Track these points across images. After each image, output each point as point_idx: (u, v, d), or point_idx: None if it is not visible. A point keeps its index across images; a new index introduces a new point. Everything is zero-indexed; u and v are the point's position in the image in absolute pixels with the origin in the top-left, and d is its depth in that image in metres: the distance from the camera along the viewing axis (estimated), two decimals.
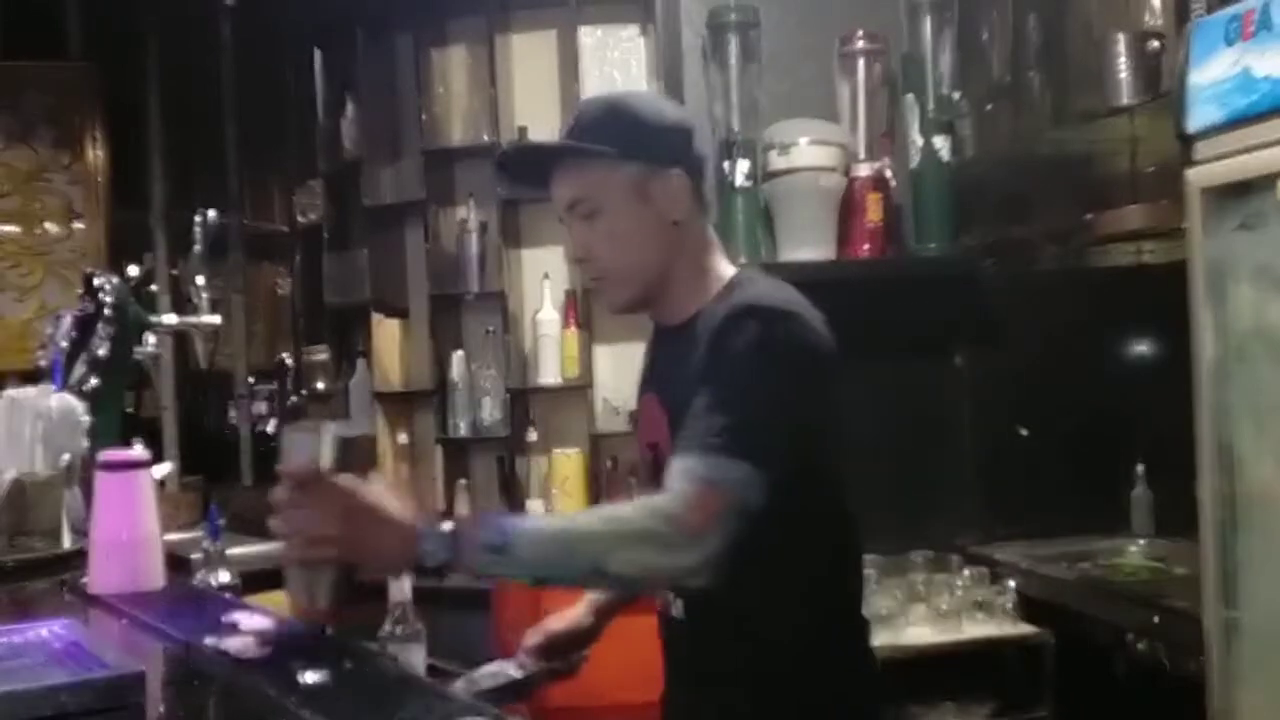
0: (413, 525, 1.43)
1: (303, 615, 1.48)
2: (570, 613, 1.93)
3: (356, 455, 1.38)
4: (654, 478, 1.68)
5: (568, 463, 4.10)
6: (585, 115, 1.72)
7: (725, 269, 1.74)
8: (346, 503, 1.41)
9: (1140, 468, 3.46)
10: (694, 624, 1.71)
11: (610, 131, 1.66)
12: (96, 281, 3.19)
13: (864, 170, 3.48)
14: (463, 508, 4.22)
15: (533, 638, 1.90)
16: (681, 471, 1.49)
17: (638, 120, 1.69)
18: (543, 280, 4.22)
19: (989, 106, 3.67)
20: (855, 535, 1.76)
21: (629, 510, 1.50)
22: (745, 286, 1.67)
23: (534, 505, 4.14)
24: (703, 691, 1.72)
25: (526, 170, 1.80)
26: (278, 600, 1.73)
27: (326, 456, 1.42)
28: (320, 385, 5.00)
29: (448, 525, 1.45)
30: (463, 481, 4.29)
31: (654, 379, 1.80)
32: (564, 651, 1.91)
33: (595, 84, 4.21)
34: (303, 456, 1.45)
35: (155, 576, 2.07)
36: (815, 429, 1.61)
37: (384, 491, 1.44)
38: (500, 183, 1.88)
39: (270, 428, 5.73)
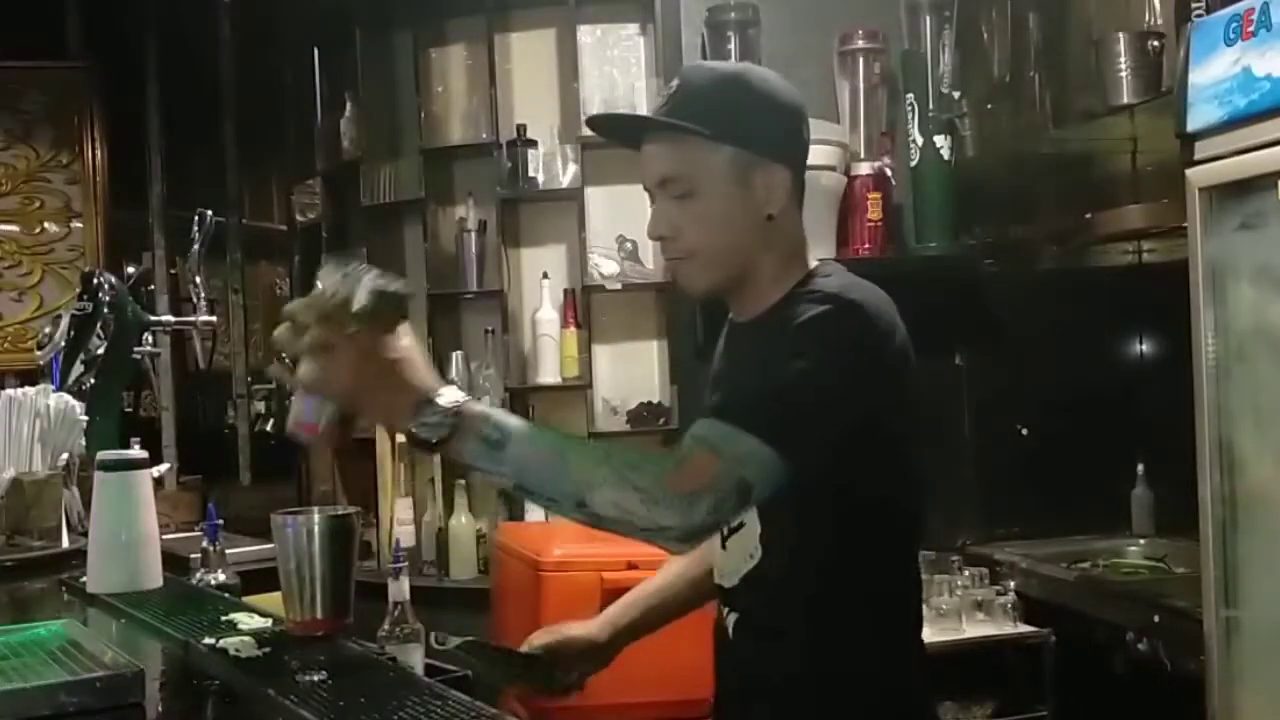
0: (421, 391, 1.37)
1: (303, 431, 1.43)
2: (589, 623, 1.83)
3: (390, 307, 1.32)
4: None
5: None
6: (692, 83, 1.61)
7: (808, 263, 1.65)
8: (364, 348, 1.36)
9: (1140, 468, 3.46)
10: (746, 634, 1.63)
11: (718, 109, 1.56)
12: (95, 281, 3.19)
13: (864, 169, 3.48)
14: (462, 507, 4.22)
15: (544, 636, 1.80)
16: (691, 433, 1.44)
17: (751, 102, 1.60)
18: (542, 279, 4.21)
19: (989, 106, 3.67)
20: (918, 538, 1.69)
21: (631, 455, 1.44)
22: (819, 279, 1.59)
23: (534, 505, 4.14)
24: (756, 704, 1.63)
25: (616, 130, 1.72)
26: (276, 601, 1.73)
27: (361, 298, 1.36)
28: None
29: (454, 401, 1.38)
30: (461, 481, 4.28)
31: (721, 373, 1.72)
32: (569, 660, 1.80)
33: (595, 83, 4.21)
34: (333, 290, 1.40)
35: (154, 576, 2.07)
36: (870, 425, 1.51)
37: (407, 349, 1.39)
38: (596, 130, 1.77)
39: (269, 427, 5.73)
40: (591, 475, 1.38)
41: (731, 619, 1.65)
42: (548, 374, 4.19)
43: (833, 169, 3.41)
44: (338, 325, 1.36)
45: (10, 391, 2.60)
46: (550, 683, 1.79)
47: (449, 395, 1.38)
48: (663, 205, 1.61)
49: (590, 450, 1.50)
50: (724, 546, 1.63)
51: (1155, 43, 3.02)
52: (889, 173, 3.51)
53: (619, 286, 4.14)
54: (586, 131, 4.15)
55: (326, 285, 1.38)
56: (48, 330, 3.27)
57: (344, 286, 1.37)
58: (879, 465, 1.55)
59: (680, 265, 1.62)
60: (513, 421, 1.40)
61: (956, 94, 3.50)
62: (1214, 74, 2.26)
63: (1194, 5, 2.57)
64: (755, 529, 1.57)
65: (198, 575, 2.32)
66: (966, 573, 3.20)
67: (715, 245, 1.59)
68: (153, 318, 3.59)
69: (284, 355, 1.45)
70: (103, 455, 2.11)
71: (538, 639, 1.80)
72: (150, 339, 3.46)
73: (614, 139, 1.72)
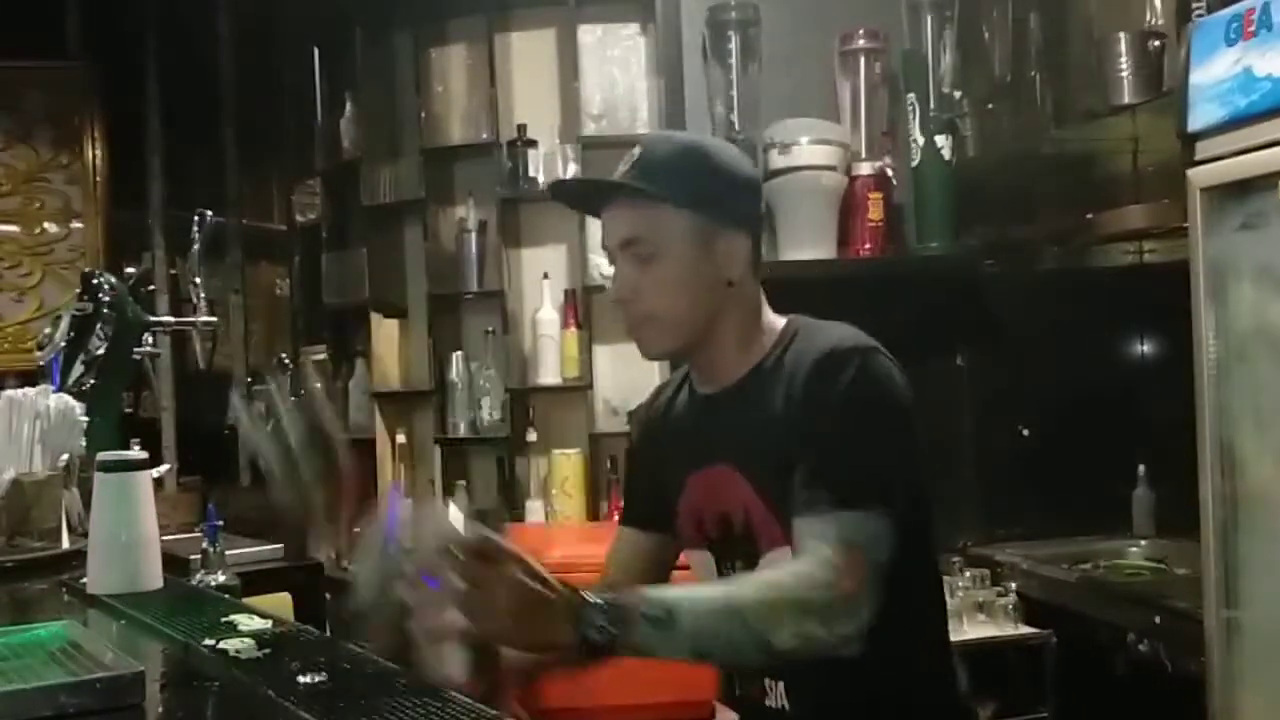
0: (575, 598, 1.33)
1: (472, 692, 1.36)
2: None
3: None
4: (730, 551, 1.64)
5: (567, 463, 4.09)
6: (655, 152, 1.64)
7: (774, 320, 1.67)
8: (514, 577, 1.31)
9: (1141, 468, 3.45)
10: (801, 711, 1.62)
11: (681, 177, 1.60)
12: (95, 281, 3.18)
13: (865, 169, 3.48)
14: (461, 508, 4.22)
15: None
16: (817, 535, 1.44)
17: (713, 171, 1.63)
18: (542, 280, 4.21)
19: (990, 105, 3.67)
20: (937, 557, 1.73)
21: (785, 578, 1.43)
22: (812, 332, 1.61)
23: (533, 506, 4.14)
24: None
25: (580, 196, 1.76)
26: (276, 602, 1.73)
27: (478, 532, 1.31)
28: (319, 385, 4.99)
29: (605, 595, 1.34)
30: (462, 482, 4.28)
31: (716, 450, 1.65)
32: None
33: (595, 82, 4.21)
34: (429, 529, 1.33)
35: (154, 577, 2.06)
36: (917, 463, 1.58)
37: (535, 562, 1.34)
38: (559, 198, 1.79)
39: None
40: (768, 618, 1.38)
41: (779, 687, 1.64)
42: (548, 374, 4.19)
43: (833, 169, 3.41)
44: (486, 560, 1.31)
45: (10, 392, 2.60)
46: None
47: (593, 594, 1.34)
48: (625, 268, 1.64)
49: (749, 589, 1.45)
50: None
51: (1156, 43, 3.02)
52: (890, 173, 3.51)
53: None
54: (586, 131, 4.17)
55: (419, 524, 1.35)
56: (48, 331, 3.26)
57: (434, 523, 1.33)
58: (916, 492, 1.58)
59: (641, 328, 1.64)
60: (665, 592, 1.39)
61: (957, 94, 3.50)
62: (1215, 74, 2.26)
63: (1195, 5, 2.57)
64: None
65: (198, 576, 2.32)
66: (967, 574, 3.20)
67: (675, 308, 1.61)
68: (153, 318, 3.59)
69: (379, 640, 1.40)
70: (102, 456, 2.11)
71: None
72: (150, 339, 3.45)
73: (577, 205, 1.80)
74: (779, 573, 1.48)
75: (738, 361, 1.64)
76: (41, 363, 3.23)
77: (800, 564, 1.44)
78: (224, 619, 1.76)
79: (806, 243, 3.40)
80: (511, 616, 1.31)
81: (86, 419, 2.61)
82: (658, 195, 1.58)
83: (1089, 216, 3.32)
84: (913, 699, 1.61)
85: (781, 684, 1.63)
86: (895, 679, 1.57)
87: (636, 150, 1.64)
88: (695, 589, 1.46)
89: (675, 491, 1.71)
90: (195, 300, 3.61)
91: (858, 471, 1.47)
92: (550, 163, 4.23)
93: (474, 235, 4.30)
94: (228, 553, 2.32)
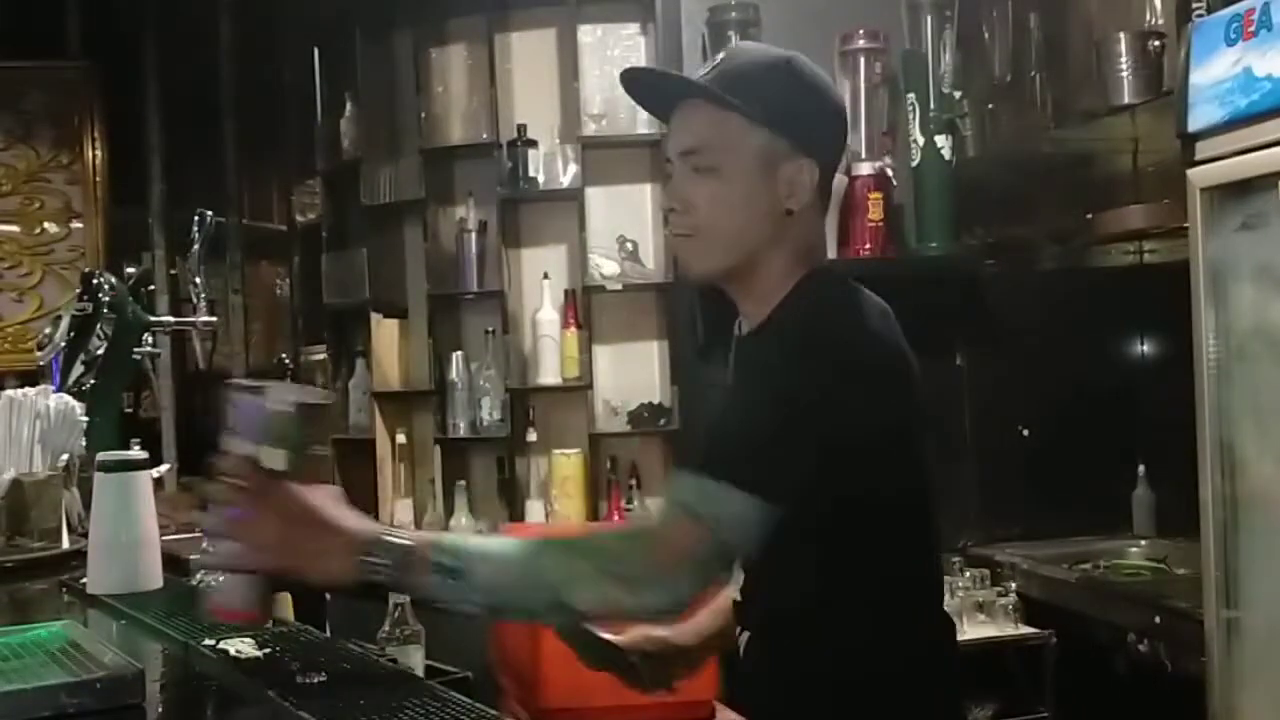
0: (359, 534, 1.32)
1: (226, 618, 1.40)
2: (680, 629, 1.70)
3: (318, 426, 1.27)
4: None
5: (567, 463, 4.09)
6: (738, 59, 1.55)
7: (808, 267, 1.55)
8: (288, 505, 1.31)
9: (1141, 468, 3.45)
10: (757, 659, 1.57)
11: (762, 89, 1.49)
12: (95, 281, 3.18)
13: (865, 169, 3.48)
14: (463, 508, 4.21)
15: (638, 638, 1.67)
16: (674, 498, 1.38)
17: (797, 89, 1.52)
18: (542, 280, 4.21)
19: (990, 105, 3.67)
20: (924, 541, 1.58)
21: (600, 539, 1.40)
22: (800, 300, 1.51)
23: (534, 506, 4.14)
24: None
25: (651, 92, 1.62)
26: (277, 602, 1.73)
27: (286, 429, 1.31)
28: (319, 385, 4.99)
29: (398, 536, 1.32)
30: (461, 482, 4.28)
31: (729, 391, 1.59)
32: (662, 661, 1.67)
33: (595, 82, 4.20)
34: (251, 427, 1.34)
35: (154, 576, 2.06)
36: (865, 447, 1.42)
37: (329, 494, 1.34)
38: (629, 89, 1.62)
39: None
40: (567, 574, 1.33)
41: (744, 638, 1.59)
42: (548, 375, 4.19)
43: None
44: (257, 487, 1.31)
45: (10, 392, 2.59)
46: (644, 680, 1.70)
47: (390, 532, 1.33)
48: (680, 176, 1.53)
49: (563, 548, 1.40)
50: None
51: (1156, 43, 3.02)
52: (890, 173, 3.51)
53: (619, 287, 4.14)
54: (587, 131, 4.16)
55: (238, 415, 1.35)
56: (48, 331, 3.26)
57: (260, 418, 1.33)
58: (869, 477, 1.45)
59: (684, 242, 1.55)
60: (471, 542, 1.35)
61: (957, 94, 3.50)
62: (1215, 74, 2.26)
63: (1195, 5, 2.57)
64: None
65: (198, 576, 2.32)
66: (967, 574, 3.20)
67: (725, 227, 1.51)
68: (153, 318, 3.59)
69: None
70: (103, 456, 2.11)
71: (633, 640, 1.69)
72: (150, 339, 3.45)
73: (645, 101, 1.63)
74: (604, 533, 1.47)
75: (764, 303, 1.53)
76: (41, 363, 3.23)
77: (637, 525, 1.43)
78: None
79: None
80: (283, 547, 1.31)
81: (86, 419, 2.61)
82: (730, 104, 1.49)
83: (1089, 216, 3.32)
84: (858, 671, 1.50)
85: (746, 635, 1.59)
86: (830, 644, 1.49)
87: (721, 55, 1.56)
88: (501, 542, 1.40)
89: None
90: (195, 300, 3.61)
91: (746, 446, 1.37)
92: (550, 163, 4.23)
93: (474, 235, 4.30)
94: None
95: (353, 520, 1.34)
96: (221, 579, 1.38)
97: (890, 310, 1.53)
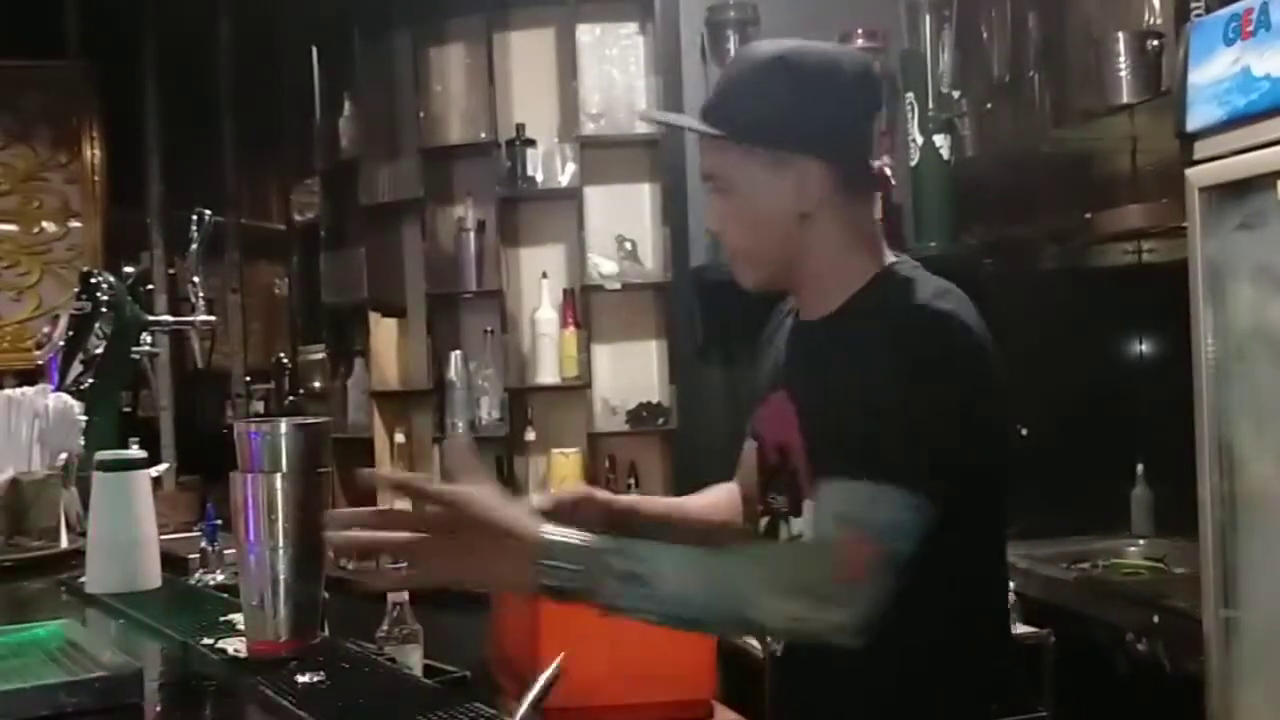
0: (536, 538, 1.25)
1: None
2: (617, 496, 1.71)
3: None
4: (778, 483, 1.57)
5: (566, 463, 4.09)
6: (733, 76, 1.57)
7: (876, 258, 1.56)
8: (459, 513, 1.25)
9: (1140, 468, 3.45)
10: (798, 658, 1.53)
11: (748, 106, 1.51)
12: (94, 280, 3.18)
13: None
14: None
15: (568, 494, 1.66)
16: (835, 511, 1.35)
17: (792, 91, 1.50)
18: (541, 279, 4.21)
19: (989, 105, 3.67)
20: (1004, 541, 1.57)
21: (781, 553, 1.38)
22: (899, 287, 1.51)
23: None
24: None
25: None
26: None
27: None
28: (317, 384, 4.99)
29: (577, 539, 1.26)
30: None
31: (789, 375, 1.59)
32: (586, 515, 1.61)
33: (594, 82, 4.20)
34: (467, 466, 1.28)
35: (152, 576, 2.06)
36: (974, 443, 1.42)
37: (492, 492, 1.27)
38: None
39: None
40: (751, 588, 1.30)
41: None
42: (547, 374, 4.19)
43: None
44: (423, 498, 1.27)
45: (9, 391, 2.60)
46: None
47: (561, 533, 1.27)
48: (709, 200, 1.58)
49: (738, 559, 1.38)
50: None
51: (1155, 42, 3.02)
52: (889, 172, 3.50)
53: (618, 286, 4.14)
54: (585, 131, 4.17)
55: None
56: (46, 330, 3.27)
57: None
58: (976, 475, 1.43)
59: (733, 260, 1.58)
60: (653, 548, 1.29)
61: (956, 94, 3.50)
62: (1213, 74, 2.25)
63: (1193, 5, 2.57)
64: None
65: (196, 575, 2.32)
66: None
67: (750, 243, 1.55)
68: (151, 317, 3.59)
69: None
70: (101, 455, 2.11)
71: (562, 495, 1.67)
72: (149, 339, 3.45)
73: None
74: (774, 547, 1.44)
75: (831, 296, 1.55)
76: (40, 362, 3.23)
77: (806, 544, 1.41)
78: (222, 618, 1.76)
79: None
80: (463, 562, 1.26)
81: (85, 418, 2.61)
82: (710, 133, 1.52)
83: (1087, 216, 3.32)
84: (933, 664, 1.46)
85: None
86: (910, 642, 1.40)
87: (730, 68, 1.59)
88: (681, 551, 1.31)
89: (756, 409, 1.66)
90: (194, 299, 3.61)
91: (893, 448, 1.34)
92: (549, 162, 4.23)
93: (472, 235, 4.30)
94: (226, 552, 2.32)
95: (525, 521, 1.28)
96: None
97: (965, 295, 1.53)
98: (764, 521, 1.61)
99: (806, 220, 1.52)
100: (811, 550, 1.39)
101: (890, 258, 1.57)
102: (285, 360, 5.51)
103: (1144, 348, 3.63)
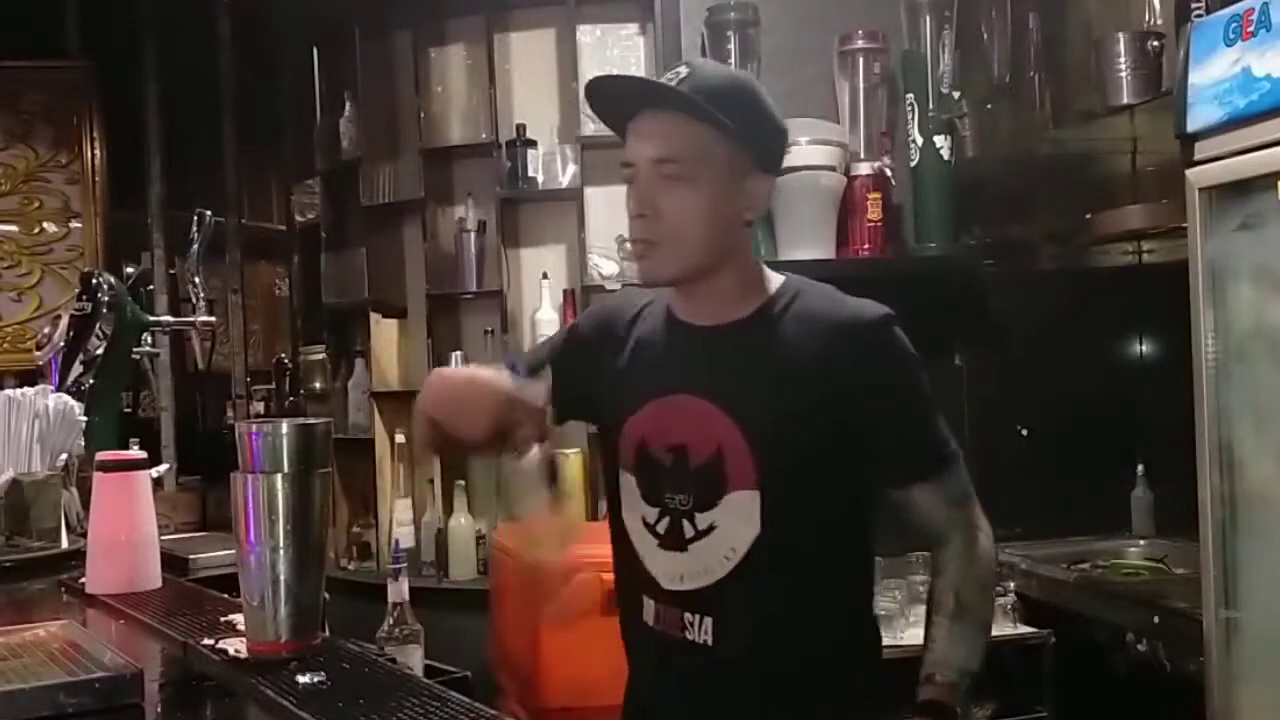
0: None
1: None
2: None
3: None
4: (675, 483, 1.59)
5: (567, 463, 4.09)
6: (705, 73, 1.57)
7: (769, 273, 1.66)
8: None
9: (1140, 468, 3.45)
10: (728, 649, 1.59)
11: (736, 108, 1.54)
12: (94, 281, 3.19)
13: (864, 169, 3.48)
14: (462, 508, 4.21)
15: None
16: (946, 499, 1.70)
17: (759, 107, 1.59)
18: (541, 280, 4.21)
19: (989, 106, 3.67)
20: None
21: (980, 567, 1.70)
22: (821, 294, 1.64)
23: None
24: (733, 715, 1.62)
25: (610, 100, 1.61)
26: None
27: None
28: (318, 385, 4.99)
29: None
30: (461, 482, 4.28)
31: (694, 381, 1.60)
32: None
33: None
34: None
35: (153, 576, 2.07)
36: None
37: None
38: (593, 97, 1.62)
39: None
40: (987, 613, 1.69)
41: (706, 623, 1.59)
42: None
43: (833, 169, 3.40)
44: None
45: (10, 392, 2.60)
46: None
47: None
48: (649, 183, 1.55)
49: (969, 599, 1.69)
50: (684, 549, 1.59)
51: (1155, 43, 3.02)
52: (889, 173, 3.51)
53: (619, 287, 4.13)
54: (586, 131, 4.16)
55: None
56: (47, 330, 3.28)
57: None
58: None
59: (649, 249, 1.57)
60: (949, 656, 1.61)
61: (956, 94, 3.49)
62: (1214, 74, 2.26)
63: (1194, 5, 2.58)
64: (739, 533, 1.55)
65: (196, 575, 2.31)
66: None
67: (692, 235, 1.55)
68: (152, 318, 3.60)
69: None
70: (102, 456, 2.11)
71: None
72: (149, 339, 3.46)
73: (606, 108, 1.61)
74: (969, 565, 1.68)
75: (737, 302, 1.61)
76: (41, 362, 3.23)
77: (973, 547, 1.69)
78: (223, 619, 1.76)
79: (805, 243, 3.39)
80: None
81: (85, 419, 2.62)
82: (715, 118, 1.52)
83: (1088, 216, 3.32)
84: (837, 659, 1.65)
85: (709, 620, 1.59)
86: (823, 635, 1.62)
87: (683, 68, 1.56)
88: (947, 625, 1.63)
89: (627, 409, 1.65)
90: (194, 300, 3.62)
91: (941, 428, 1.67)
92: (549, 163, 4.23)
93: (473, 235, 4.30)
94: (225, 552, 2.32)
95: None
96: None
97: None
98: (664, 523, 1.62)
99: (745, 229, 1.61)
100: (983, 549, 1.73)
101: (775, 274, 1.68)
102: (286, 361, 5.51)
103: (1144, 348, 3.63)
